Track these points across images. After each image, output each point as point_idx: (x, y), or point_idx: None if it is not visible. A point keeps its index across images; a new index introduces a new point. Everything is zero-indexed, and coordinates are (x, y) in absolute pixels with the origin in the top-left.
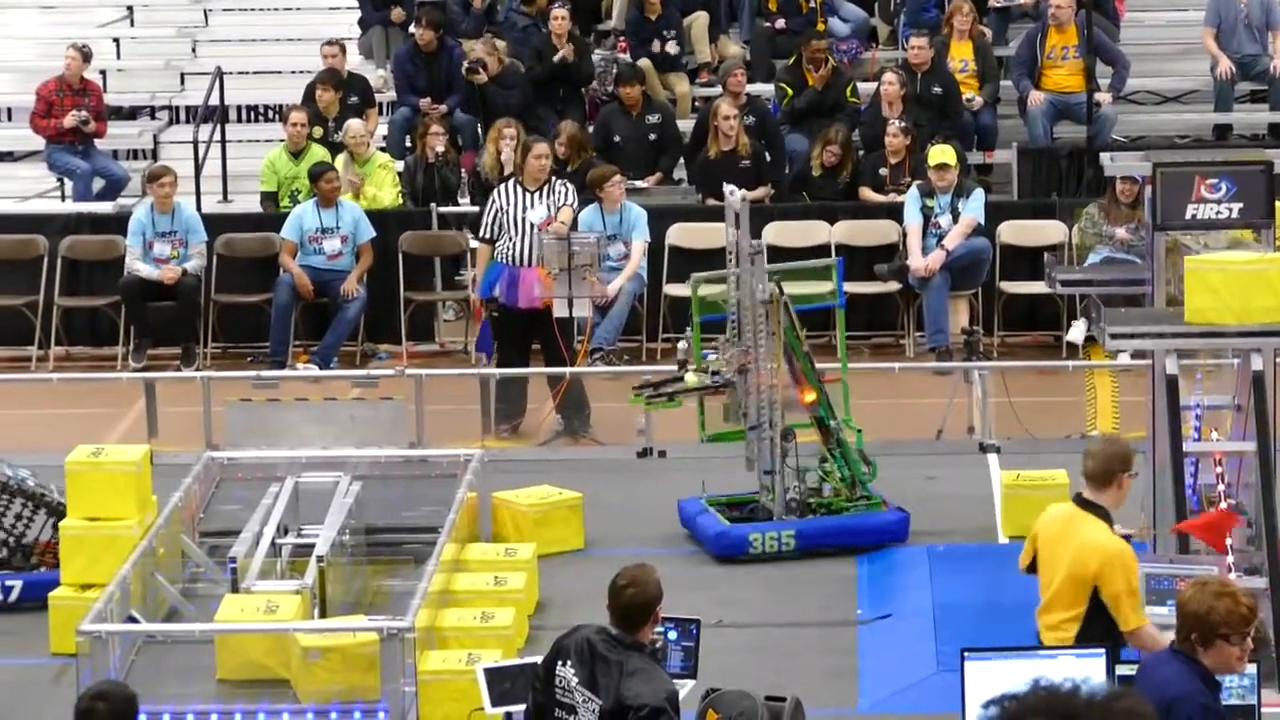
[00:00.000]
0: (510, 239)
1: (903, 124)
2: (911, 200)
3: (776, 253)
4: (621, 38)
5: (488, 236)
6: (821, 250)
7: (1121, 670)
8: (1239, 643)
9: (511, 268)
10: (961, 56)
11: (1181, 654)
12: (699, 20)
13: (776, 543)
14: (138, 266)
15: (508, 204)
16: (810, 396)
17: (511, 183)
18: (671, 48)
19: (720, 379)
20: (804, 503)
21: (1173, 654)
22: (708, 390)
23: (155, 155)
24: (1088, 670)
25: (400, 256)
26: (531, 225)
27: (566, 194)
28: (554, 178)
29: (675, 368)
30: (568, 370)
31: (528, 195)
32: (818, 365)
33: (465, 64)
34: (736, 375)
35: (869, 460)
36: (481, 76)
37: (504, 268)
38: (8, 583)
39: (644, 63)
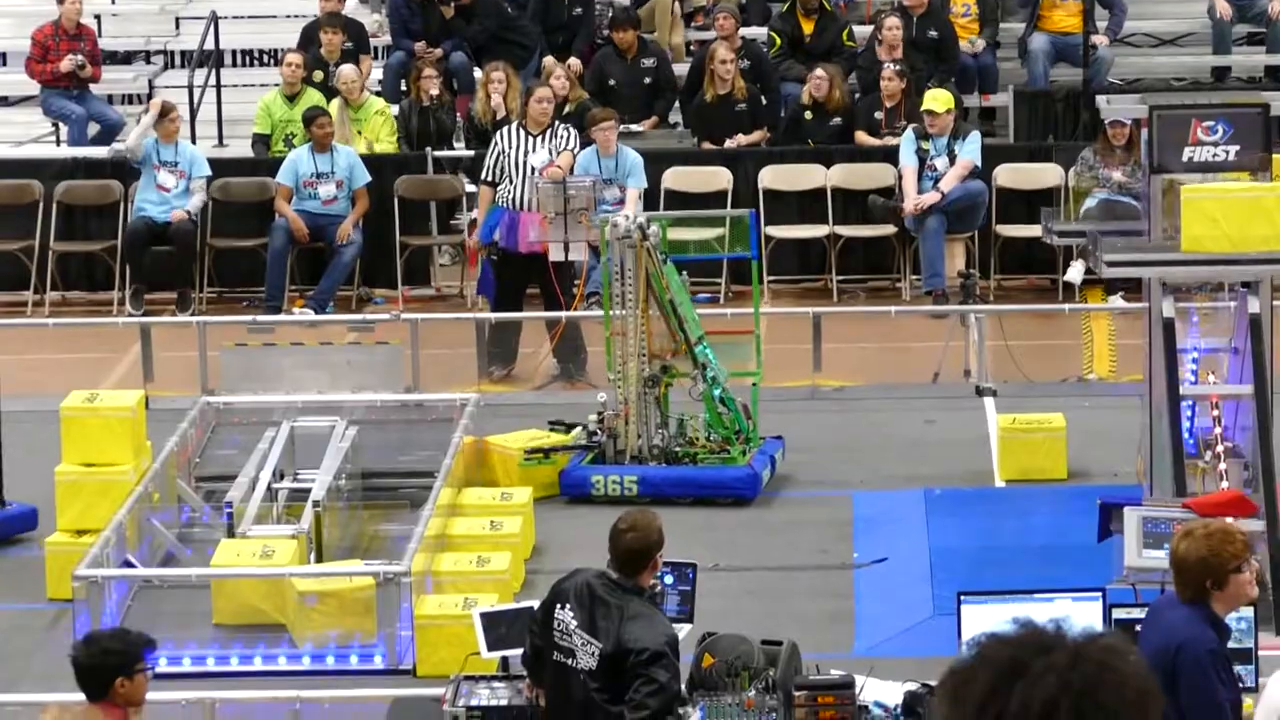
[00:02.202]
0: (511, 183)
1: (897, 67)
2: (907, 143)
3: (773, 196)
4: None
5: (489, 179)
6: (818, 193)
7: (1119, 615)
8: (1246, 568)
9: (511, 212)
10: (964, 1)
11: (1188, 604)
12: None
13: (619, 486)
14: (145, 198)
15: (509, 147)
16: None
17: (514, 126)
18: None
19: (595, 441)
20: (667, 450)
21: (1180, 604)
22: (580, 449)
23: (150, 100)
24: (1084, 614)
25: (396, 201)
26: (533, 169)
27: (569, 138)
28: (557, 122)
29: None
30: (563, 314)
31: (530, 139)
32: (797, 309)
33: None
34: (607, 439)
35: (749, 414)
36: (450, 9)
37: (504, 212)
38: None
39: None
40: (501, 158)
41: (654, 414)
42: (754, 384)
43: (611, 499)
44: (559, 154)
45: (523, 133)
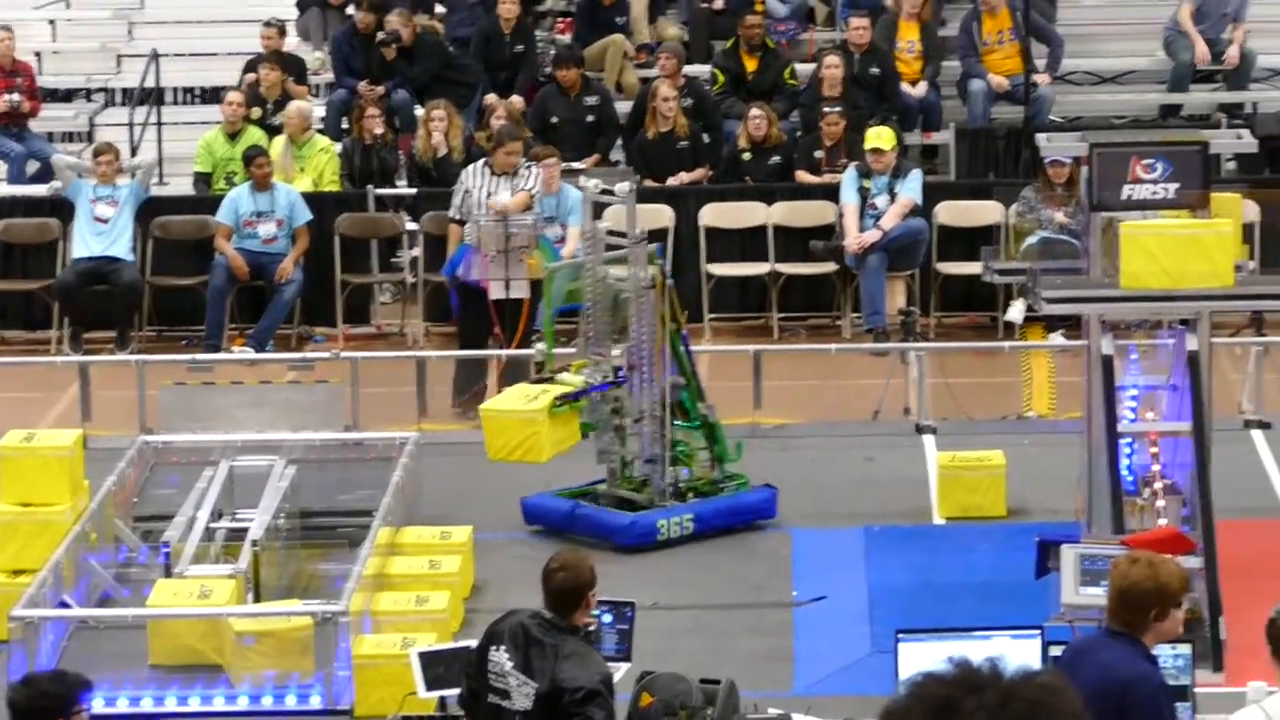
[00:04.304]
0: (476, 222)
1: (839, 109)
2: (849, 181)
3: (715, 234)
4: (560, 19)
5: (457, 218)
6: (759, 231)
7: (1056, 652)
8: (1182, 606)
9: (476, 250)
10: (908, 37)
11: (1121, 635)
12: (638, 1)
13: (680, 528)
14: (81, 232)
15: (475, 187)
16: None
17: (481, 164)
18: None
19: (621, 378)
20: (681, 487)
21: (1110, 636)
22: (603, 386)
23: (91, 138)
24: (1022, 653)
25: (337, 239)
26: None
27: (531, 177)
28: (524, 160)
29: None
30: (503, 352)
31: (495, 179)
32: (737, 346)
33: (379, 35)
34: (629, 372)
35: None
36: (392, 51)
37: (469, 250)
38: None
39: (618, 38)
40: (467, 197)
41: (665, 455)
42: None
43: (674, 541)
44: (517, 194)
45: (488, 172)
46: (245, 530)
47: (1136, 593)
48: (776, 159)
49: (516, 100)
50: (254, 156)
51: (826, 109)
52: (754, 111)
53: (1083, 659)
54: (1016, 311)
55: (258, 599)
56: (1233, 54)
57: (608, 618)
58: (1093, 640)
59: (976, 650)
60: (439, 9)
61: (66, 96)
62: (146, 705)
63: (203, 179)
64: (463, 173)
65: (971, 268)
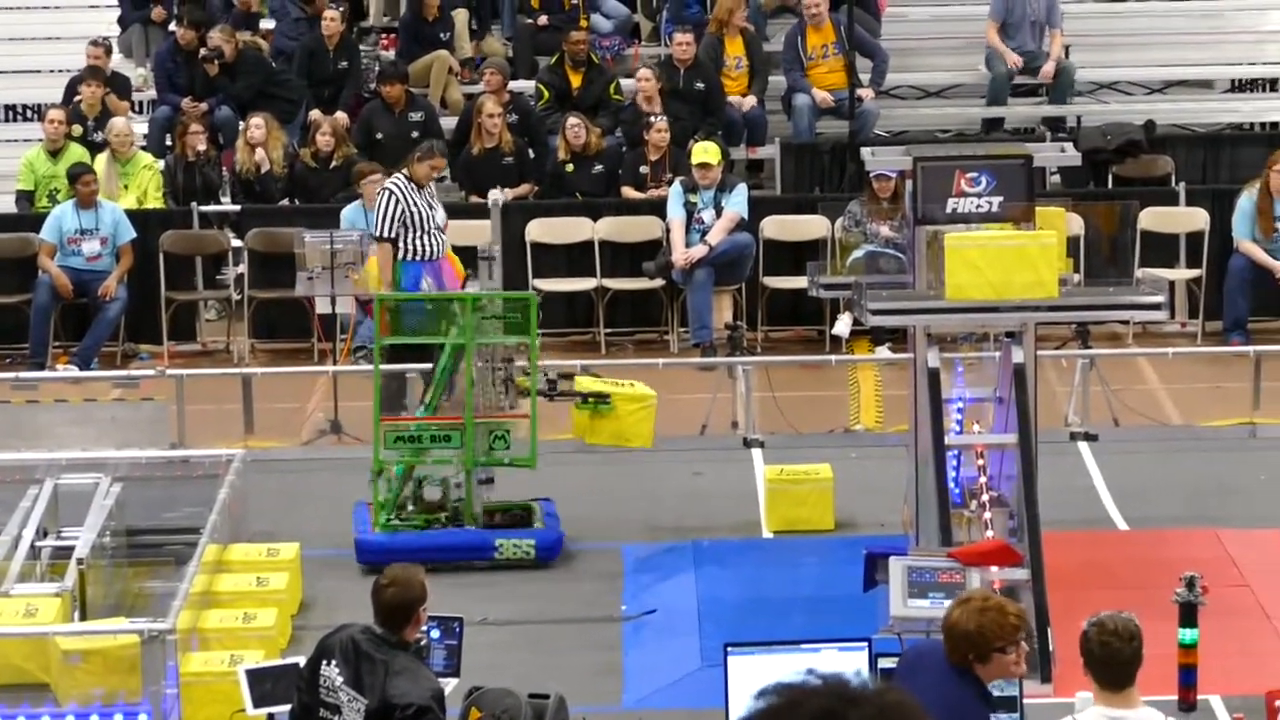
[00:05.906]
0: (423, 236)
1: (666, 119)
2: (674, 196)
3: (541, 249)
4: (384, 35)
5: (390, 236)
6: (586, 246)
7: (884, 664)
8: (1013, 650)
9: (431, 262)
10: (735, 54)
11: (956, 669)
12: (460, 17)
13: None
14: None
15: (412, 205)
16: None
17: (404, 180)
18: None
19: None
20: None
21: (950, 668)
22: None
23: None
24: (851, 664)
25: (161, 256)
26: (436, 225)
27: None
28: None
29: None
30: (331, 369)
31: (422, 192)
32: (564, 361)
33: (202, 52)
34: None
35: None
36: (214, 67)
37: (422, 265)
38: None
39: (442, 54)
40: (405, 214)
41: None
42: None
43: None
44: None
45: (414, 187)
46: (71, 548)
47: (953, 635)
48: (599, 168)
49: (341, 116)
50: (80, 174)
51: (653, 118)
52: (571, 120)
53: (918, 672)
54: (843, 325)
55: (84, 617)
56: (1048, 69)
57: (436, 633)
58: (934, 658)
59: (805, 663)
60: (263, 24)
61: None
62: None
63: (25, 197)
64: (391, 189)
65: (797, 282)
